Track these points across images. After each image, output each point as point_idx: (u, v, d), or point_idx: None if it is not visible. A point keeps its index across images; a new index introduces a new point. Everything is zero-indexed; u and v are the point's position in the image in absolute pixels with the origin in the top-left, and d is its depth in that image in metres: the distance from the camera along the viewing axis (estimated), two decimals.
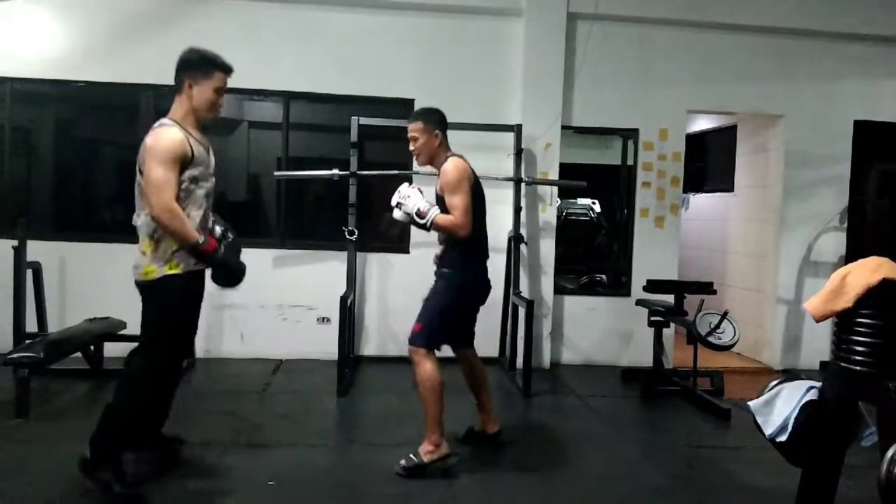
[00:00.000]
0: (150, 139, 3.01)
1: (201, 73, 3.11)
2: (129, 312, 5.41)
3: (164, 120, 3.11)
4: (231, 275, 3.23)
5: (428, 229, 3.56)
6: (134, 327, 5.29)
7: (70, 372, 5.08)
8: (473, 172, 3.68)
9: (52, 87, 5.92)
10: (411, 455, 3.54)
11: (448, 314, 3.67)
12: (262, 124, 6.32)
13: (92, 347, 5.10)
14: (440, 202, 3.60)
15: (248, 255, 5.83)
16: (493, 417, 4.02)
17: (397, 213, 3.56)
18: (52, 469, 3.45)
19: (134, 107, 5.94)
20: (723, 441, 4.39)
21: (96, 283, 5.80)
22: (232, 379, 5.38)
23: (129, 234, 5.90)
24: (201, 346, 5.84)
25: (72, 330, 4.97)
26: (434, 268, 3.78)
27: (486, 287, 3.84)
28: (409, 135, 3.68)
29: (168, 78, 5.95)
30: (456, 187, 3.51)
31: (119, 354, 5.53)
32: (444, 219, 3.50)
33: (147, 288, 3.13)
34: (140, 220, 3.09)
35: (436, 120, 3.68)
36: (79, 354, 5.00)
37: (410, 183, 3.69)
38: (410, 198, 3.52)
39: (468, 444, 3.98)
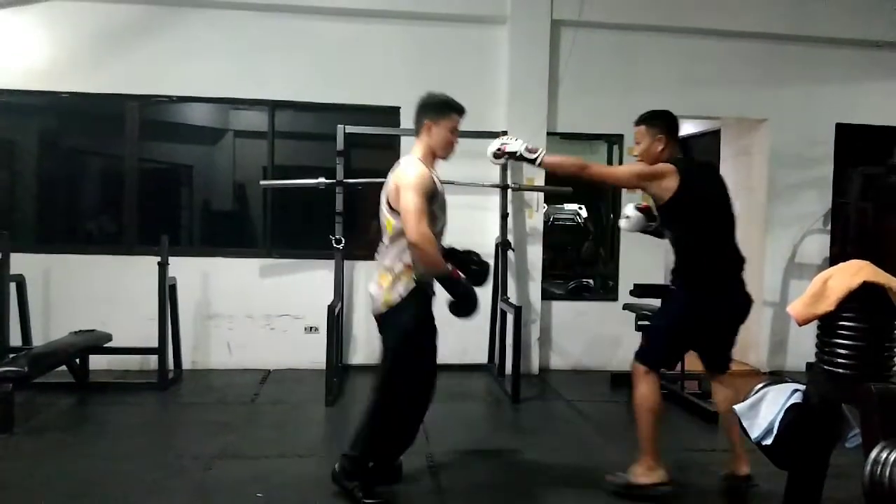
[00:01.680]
0: (398, 173, 3.12)
1: (440, 114, 3.22)
2: (115, 325, 5.43)
3: (408, 157, 3.23)
4: (471, 302, 3.13)
5: (538, 165, 3.43)
6: (119, 339, 5.34)
7: (55, 385, 5.04)
8: (698, 175, 3.43)
9: (35, 97, 5.89)
10: (620, 472, 3.39)
11: (672, 334, 3.41)
12: (248, 133, 6.31)
13: (77, 360, 5.06)
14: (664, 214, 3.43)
15: (235, 265, 5.94)
16: (741, 456, 3.44)
17: (496, 160, 3.47)
18: (36, 484, 3.42)
19: (119, 118, 5.91)
20: (711, 444, 4.40)
21: (81, 296, 5.76)
22: (220, 390, 5.35)
23: (113, 245, 5.95)
24: (188, 358, 5.82)
25: (56, 343, 4.92)
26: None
27: (731, 305, 3.35)
28: (635, 140, 3.57)
29: (154, 88, 5.99)
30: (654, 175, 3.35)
31: (105, 367, 5.54)
32: (560, 160, 3.45)
33: (385, 316, 3.19)
34: (385, 252, 3.18)
35: (661, 123, 3.49)
36: (64, 368, 4.95)
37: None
38: (517, 139, 3.42)
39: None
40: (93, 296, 5.78)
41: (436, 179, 3.15)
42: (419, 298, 3.12)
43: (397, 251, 3.11)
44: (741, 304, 3.36)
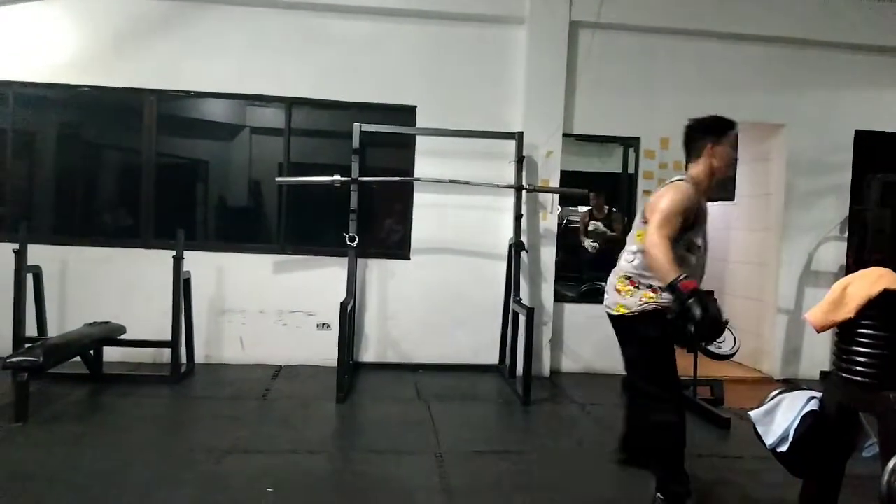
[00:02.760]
0: (664, 189, 3.12)
1: (722, 134, 3.22)
2: (129, 317, 5.48)
3: (682, 176, 3.21)
4: (703, 321, 2.77)
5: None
6: (133, 332, 5.38)
7: (69, 376, 5.08)
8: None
9: (55, 91, 5.94)
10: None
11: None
12: (265, 130, 6.33)
13: (91, 352, 5.10)
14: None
15: (249, 261, 5.97)
16: None
17: None
18: (50, 473, 3.45)
19: (138, 112, 5.96)
20: (723, 451, 4.37)
21: (97, 288, 5.81)
22: (232, 384, 5.37)
23: (129, 239, 5.99)
24: (201, 352, 5.85)
25: (71, 334, 4.96)
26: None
27: None
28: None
29: (172, 83, 6.02)
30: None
31: (118, 359, 5.58)
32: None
33: (620, 323, 3.23)
34: (622, 261, 3.24)
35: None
36: (78, 359, 4.99)
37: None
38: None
39: None
40: (108, 288, 5.82)
41: (703, 205, 3.14)
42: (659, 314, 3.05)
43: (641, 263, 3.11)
44: None
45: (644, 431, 3.25)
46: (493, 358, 6.09)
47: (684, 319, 2.78)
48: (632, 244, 3.21)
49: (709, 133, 3.20)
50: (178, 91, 6.00)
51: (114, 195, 6.40)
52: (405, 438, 4.30)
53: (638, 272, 3.11)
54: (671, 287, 2.82)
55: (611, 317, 3.25)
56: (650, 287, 3.07)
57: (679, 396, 3.27)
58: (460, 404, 5.19)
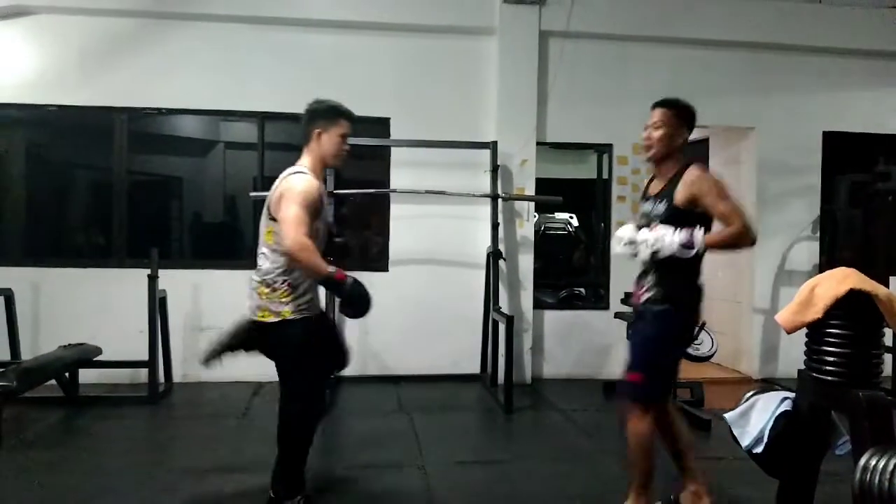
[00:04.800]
0: (285, 184, 3.05)
1: (328, 121, 3.17)
2: (104, 338, 5.40)
3: (297, 167, 3.15)
4: (361, 302, 3.06)
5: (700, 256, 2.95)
6: (109, 353, 5.30)
7: (44, 400, 4.99)
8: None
9: (23, 111, 5.87)
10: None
11: (671, 359, 3.09)
12: (238, 145, 6.31)
13: (66, 374, 5.02)
14: (679, 214, 2.96)
15: (226, 277, 5.92)
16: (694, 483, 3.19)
17: (644, 254, 2.96)
18: (26, 500, 3.38)
19: (108, 130, 5.90)
20: (703, 452, 4.39)
21: (70, 310, 5.73)
22: (211, 403, 5.32)
23: (102, 259, 5.91)
24: (179, 371, 5.78)
25: (45, 357, 4.86)
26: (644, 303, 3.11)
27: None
28: (653, 121, 3.09)
29: (143, 100, 5.97)
30: (721, 193, 2.92)
31: (95, 381, 5.50)
32: (721, 235, 2.93)
33: (264, 330, 3.18)
34: (262, 263, 3.12)
35: (688, 116, 3.11)
36: (53, 382, 4.90)
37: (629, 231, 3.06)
38: (660, 237, 2.88)
39: None
40: (82, 309, 5.74)
41: (322, 194, 3.11)
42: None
43: (276, 262, 3.06)
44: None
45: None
46: (474, 367, 6.10)
47: (350, 306, 3.03)
48: (262, 245, 3.13)
49: (316, 119, 3.16)
50: (149, 108, 5.96)
51: (86, 215, 6.33)
52: (388, 452, 4.28)
53: (276, 275, 3.05)
54: (328, 282, 2.94)
55: (256, 324, 3.17)
56: (290, 287, 3.05)
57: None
58: (443, 415, 5.18)
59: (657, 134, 3.05)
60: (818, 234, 6.57)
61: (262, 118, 6.05)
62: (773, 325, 6.58)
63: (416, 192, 5.85)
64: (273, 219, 3.04)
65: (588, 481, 3.86)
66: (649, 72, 6.37)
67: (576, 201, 7.58)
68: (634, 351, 3.05)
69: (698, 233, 2.87)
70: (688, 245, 2.85)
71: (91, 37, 5.84)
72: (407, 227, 6.14)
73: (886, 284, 5.24)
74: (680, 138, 3.06)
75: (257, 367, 5.88)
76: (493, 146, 5.95)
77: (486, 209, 6.00)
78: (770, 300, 6.54)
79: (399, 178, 6.09)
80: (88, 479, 3.69)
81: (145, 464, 4.03)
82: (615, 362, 6.18)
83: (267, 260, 3.09)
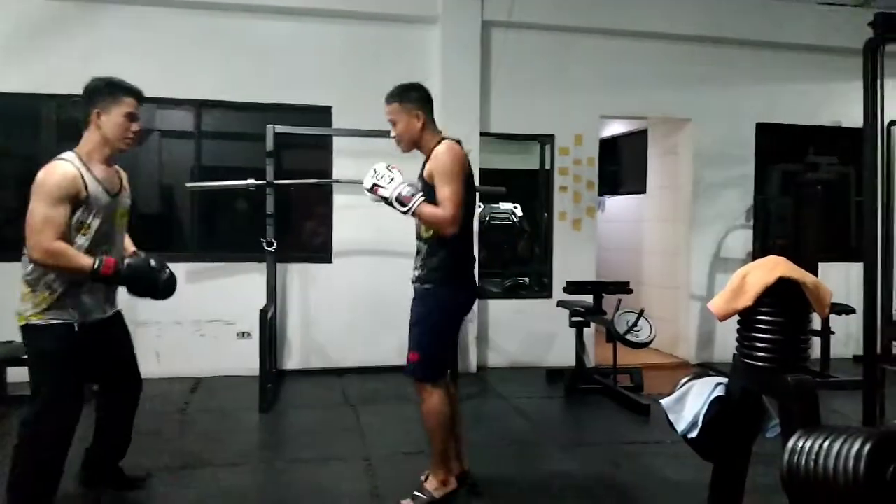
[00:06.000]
0: (40, 174, 2.81)
1: (109, 99, 2.92)
2: None
3: (63, 154, 2.90)
4: (146, 280, 2.95)
5: (412, 215, 3.08)
6: None
7: None
8: (468, 163, 3.19)
9: None
10: (418, 493, 3.26)
11: (444, 336, 3.26)
12: (174, 133, 6.10)
13: None
14: (427, 191, 3.09)
15: None
16: (462, 455, 3.49)
17: (372, 197, 3.10)
18: None
19: (35, 118, 5.64)
20: (643, 436, 4.52)
21: None
22: (149, 400, 5.07)
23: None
24: None
25: None
26: (414, 283, 3.26)
27: (473, 297, 3.37)
28: (388, 118, 3.22)
29: (72, 87, 5.65)
30: (449, 176, 3.02)
31: (23, 380, 5.26)
32: (431, 210, 3.01)
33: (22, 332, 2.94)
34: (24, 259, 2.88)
35: (415, 98, 3.19)
36: None
37: (387, 166, 3.13)
38: (392, 180, 3.03)
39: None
40: (7, 305, 5.47)
41: (88, 179, 2.85)
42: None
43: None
44: (475, 296, 3.42)
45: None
46: None
47: (135, 290, 2.96)
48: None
49: (94, 98, 2.91)
50: (80, 95, 5.69)
51: (13, 206, 6.02)
52: (332, 445, 4.24)
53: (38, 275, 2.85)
54: (95, 279, 2.80)
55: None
56: (49, 288, 2.85)
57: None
58: (388, 406, 5.17)
59: (396, 130, 3.22)
60: (752, 223, 6.79)
61: (199, 106, 5.88)
62: (709, 311, 6.80)
63: (359, 183, 5.76)
64: None
65: (531, 469, 3.91)
66: (590, 63, 6.45)
67: (519, 191, 7.62)
68: (410, 330, 3.19)
69: (419, 197, 3.02)
70: (403, 202, 3.01)
71: (15, 21, 5.55)
72: (351, 217, 6.08)
73: (815, 270, 5.50)
74: (418, 122, 3.17)
75: (196, 363, 5.81)
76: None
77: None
78: (706, 287, 6.74)
79: (342, 167, 6.00)
80: None
81: (75, 463, 3.88)
82: (559, 350, 6.30)
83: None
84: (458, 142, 3.24)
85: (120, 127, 2.94)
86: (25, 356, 3.01)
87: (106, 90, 2.94)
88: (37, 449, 2.88)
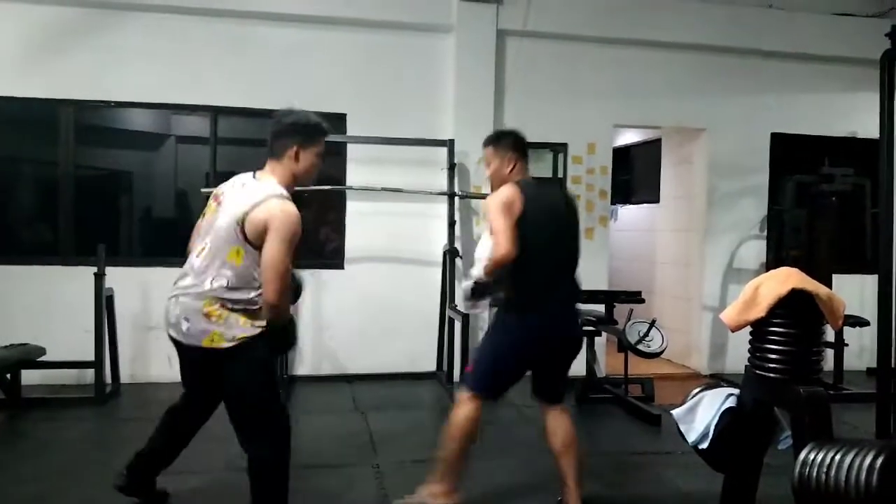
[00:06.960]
0: (270, 209, 2.64)
1: (310, 138, 2.86)
2: (49, 338, 5.23)
3: (275, 190, 2.74)
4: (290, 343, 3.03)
5: (493, 284, 3.17)
6: (54, 353, 5.14)
7: None
8: (524, 195, 3.12)
9: None
10: (412, 496, 3.30)
11: (501, 359, 3.26)
12: (190, 139, 6.17)
13: (8, 376, 4.84)
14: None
15: (175, 276, 5.77)
16: (575, 493, 3.29)
17: (467, 306, 3.50)
18: None
19: (53, 123, 5.71)
20: (654, 447, 4.50)
21: (14, 308, 5.53)
22: (160, 404, 5.07)
23: (48, 256, 5.73)
24: (126, 371, 5.64)
25: None
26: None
27: (552, 326, 3.25)
28: (483, 160, 3.46)
29: (91, 93, 5.77)
30: (492, 214, 3.08)
31: (39, 382, 5.33)
32: (487, 263, 3.10)
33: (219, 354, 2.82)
34: (212, 284, 2.74)
35: (507, 144, 3.32)
36: None
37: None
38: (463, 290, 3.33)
39: None
40: (27, 308, 5.56)
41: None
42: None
43: (233, 282, 2.71)
44: (560, 331, 3.32)
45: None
46: (430, 365, 6.10)
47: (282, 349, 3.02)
48: (222, 263, 2.76)
49: (296, 134, 2.83)
50: (97, 101, 5.79)
51: (30, 210, 6.11)
52: (342, 451, 4.25)
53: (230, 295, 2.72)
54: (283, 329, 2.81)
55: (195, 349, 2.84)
56: (245, 311, 2.73)
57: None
58: (398, 413, 5.17)
59: (488, 171, 3.40)
60: (766, 233, 6.75)
61: (216, 112, 5.94)
62: (722, 322, 6.76)
63: (372, 190, 5.82)
64: (250, 241, 2.66)
65: (539, 477, 3.89)
66: (604, 72, 6.46)
67: None
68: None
69: (467, 283, 3.25)
70: (478, 284, 3.20)
71: (36, 26, 5.63)
72: (363, 224, 6.11)
73: (829, 281, 5.46)
74: (509, 164, 3.29)
75: None
76: (450, 144, 5.95)
77: (442, 207, 6.00)
78: (719, 298, 6.70)
79: (355, 174, 6.04)
80: (31, 483, 3.58)
81: (91, 466, 3.92)
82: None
83: (225, 280, 2.70)
84: (536, 179, 3.47)
85: (314, 167, 2.90)
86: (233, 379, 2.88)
87: (312, 127, 2.88)
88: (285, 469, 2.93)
